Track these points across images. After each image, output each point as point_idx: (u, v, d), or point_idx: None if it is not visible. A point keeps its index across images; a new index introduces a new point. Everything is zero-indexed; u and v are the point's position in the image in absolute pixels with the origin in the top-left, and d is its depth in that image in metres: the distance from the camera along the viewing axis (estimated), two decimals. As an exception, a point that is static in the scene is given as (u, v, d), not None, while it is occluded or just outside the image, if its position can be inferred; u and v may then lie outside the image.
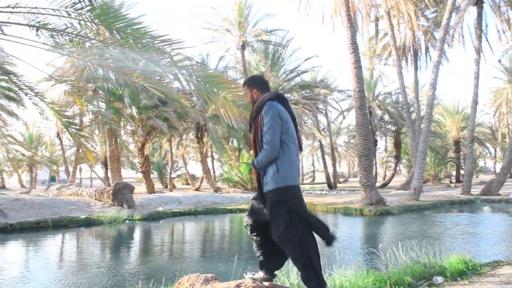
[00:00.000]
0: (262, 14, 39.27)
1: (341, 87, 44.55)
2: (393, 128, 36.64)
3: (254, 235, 3.35)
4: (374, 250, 8.10)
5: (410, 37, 27.53)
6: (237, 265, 5.02)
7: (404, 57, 28.85)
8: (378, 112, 34.85)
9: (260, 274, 3.35)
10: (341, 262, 5.39)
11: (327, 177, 35.69)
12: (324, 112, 36.36)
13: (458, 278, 5.21)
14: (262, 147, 3.15)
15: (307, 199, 17.83)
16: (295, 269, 4.78)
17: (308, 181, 53.09)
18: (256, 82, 3.49)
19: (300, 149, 3.39)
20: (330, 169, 36.82)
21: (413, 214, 15.58)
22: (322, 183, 41.31)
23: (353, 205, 16.97)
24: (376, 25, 28.53)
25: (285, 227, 3.05)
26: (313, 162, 63.56)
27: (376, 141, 36.11)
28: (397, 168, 39.91)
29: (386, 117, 36.07)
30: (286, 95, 29.50)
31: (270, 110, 3.14)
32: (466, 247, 8.73)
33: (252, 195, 22.44)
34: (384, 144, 47.26)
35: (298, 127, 3.38)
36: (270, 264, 3.35)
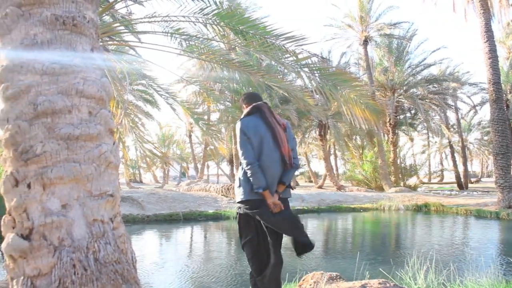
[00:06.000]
0: (385, 7, 37.98)
1: (473, 79, 41.36)
2: (536, 124, 33.15)
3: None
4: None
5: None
6: (359, 264, 4.94)
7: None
8: (517, 105, 31.80)
9: None
10: (474, 269, 5.01)
11: (457, 177, 33.41)
12: (453, 107, 34.10)
13: None
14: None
15: (435, 199, 16.92)
16: (422, 272, 4.56)
17: (435, 181, 50.14)
18: (243, 99, 3.59)
19: (284, 162, 3.21)
20: (461, 168, 34.43)
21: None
22: (451, 183, 38.68)
23: (488, 207, 15.71)
24: (517, 8, 25.87)
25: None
26: (441, 160, 59.68)
27: (514, 137, 32.96)
28: (541, 168, 35.97)
29: (527, 110, 32.71)
30: (411, 90, 28.39)
31: (236, 129, 3.27)
32: None
33: (376, 194, 21.83)
34: (524, 141, 42.86)
35: (282, 135, 3.25)
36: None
